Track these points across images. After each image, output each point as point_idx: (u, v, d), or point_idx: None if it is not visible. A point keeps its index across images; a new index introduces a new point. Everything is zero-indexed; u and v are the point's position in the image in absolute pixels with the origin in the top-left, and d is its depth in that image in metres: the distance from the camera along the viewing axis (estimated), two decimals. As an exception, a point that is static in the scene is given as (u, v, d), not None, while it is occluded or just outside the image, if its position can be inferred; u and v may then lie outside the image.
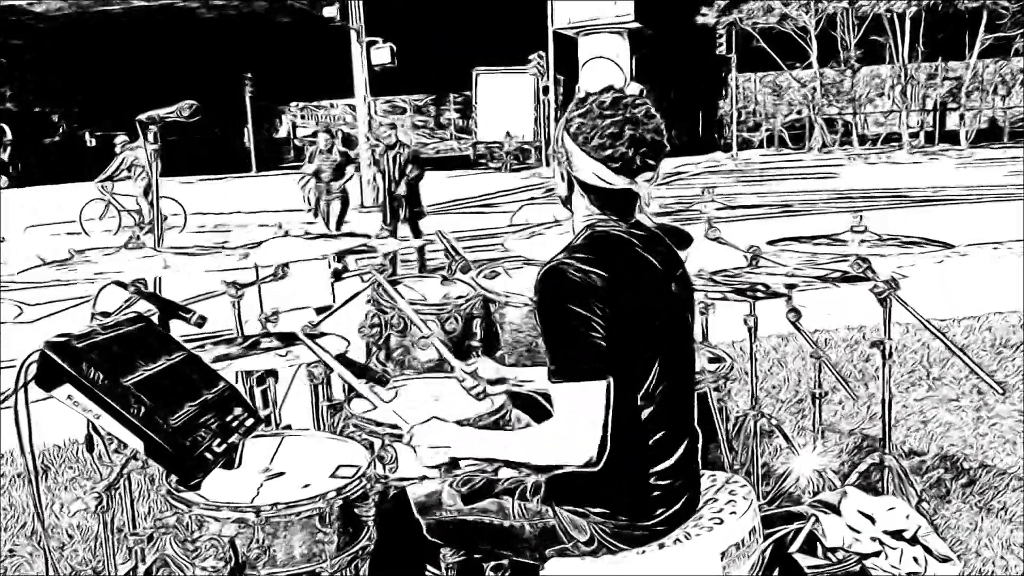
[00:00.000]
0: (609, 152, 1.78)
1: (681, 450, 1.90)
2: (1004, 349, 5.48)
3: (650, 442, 1.85)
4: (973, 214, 13.24)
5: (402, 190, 9.15)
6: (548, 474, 1.90)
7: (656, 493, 1.86)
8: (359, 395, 2.69)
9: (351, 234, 3.23)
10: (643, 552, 1.84)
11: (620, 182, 1.80)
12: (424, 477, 2.18)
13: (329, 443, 2.35)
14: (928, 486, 3.53)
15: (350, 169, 10.79)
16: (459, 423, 2.31)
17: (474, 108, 28.73)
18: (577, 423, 1.73)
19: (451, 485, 2.02)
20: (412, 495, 2.01)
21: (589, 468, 1.76)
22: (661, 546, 1.85)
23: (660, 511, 1.86)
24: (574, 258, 1.77)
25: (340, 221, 10.61)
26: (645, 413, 1.83)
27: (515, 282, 3.17)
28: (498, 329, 3.02)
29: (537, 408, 2.42)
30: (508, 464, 1.86)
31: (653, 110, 1.82)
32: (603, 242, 1.83)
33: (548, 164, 23.46)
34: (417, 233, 9.48)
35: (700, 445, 1.99)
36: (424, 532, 1.98)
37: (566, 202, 1.93)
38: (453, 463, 2.28)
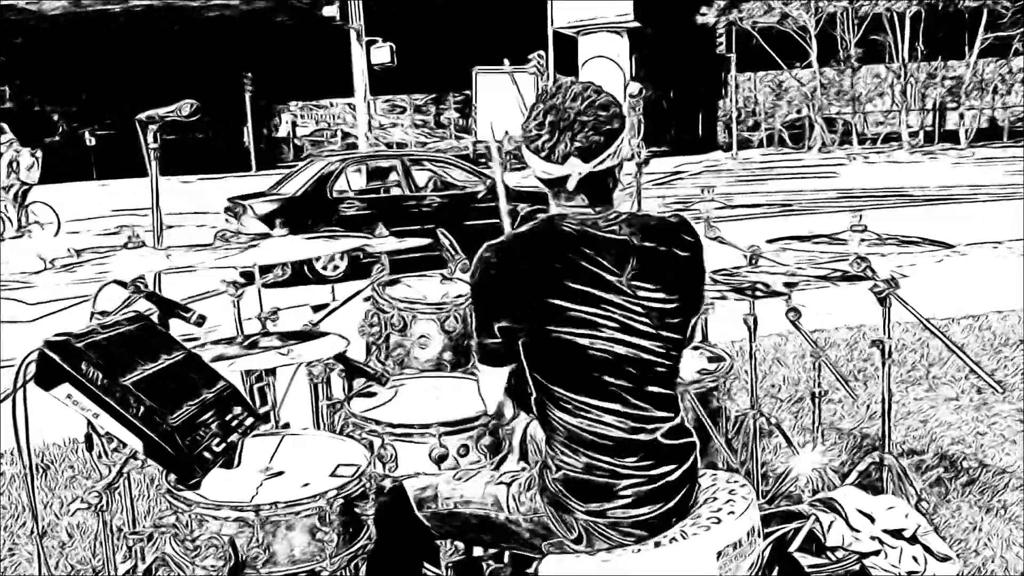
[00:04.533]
0: (535, 144, 1.85)
1: (652, 447, 1.88)
2: (1004, 348, 5.48)
3: (609, 438, 1.85)
4: (973, 213, 13.24)
5: None
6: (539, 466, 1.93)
7: (636, 490, 1.85)
8: (360, 394, 2.70)
9: (352, 234, 3.23)
10: (638, 551, 1.85)
11: (554, 170, 1.84)
12: (422, 472, 2.19)
13: (329, 442, 2.35)
14: (928, 485, 3.53)
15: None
16: (461, 421, 2.34)
17: (474, 107, 28.73)
18: (485, 388, 1.99)
19: (448, 477, 2.04)
20: (409, 488, 2.02)
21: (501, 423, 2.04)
22: (657, 544, 1.85)
23: (647, 509, 1.85)
24: (498, 243, 1.88)
25: None
26: (597, 405, 1.84)
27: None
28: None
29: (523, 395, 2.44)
30: None
31: (589, 93, 1.83)
32: (537, 230, 1.88)
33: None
34: None
35: (695, 447, 1.97)
36: (422, 523, 2.00)
37: None
38: (443, 457, 2.30)
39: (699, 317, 2.06)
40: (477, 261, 1.87)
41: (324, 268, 9.39)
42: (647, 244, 1.87)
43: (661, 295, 1.87)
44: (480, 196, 10.37)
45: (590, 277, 1.83)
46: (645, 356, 1.86)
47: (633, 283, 1.85)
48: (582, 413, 1.85)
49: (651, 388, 1.89)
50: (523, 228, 1.90)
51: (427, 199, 10.46)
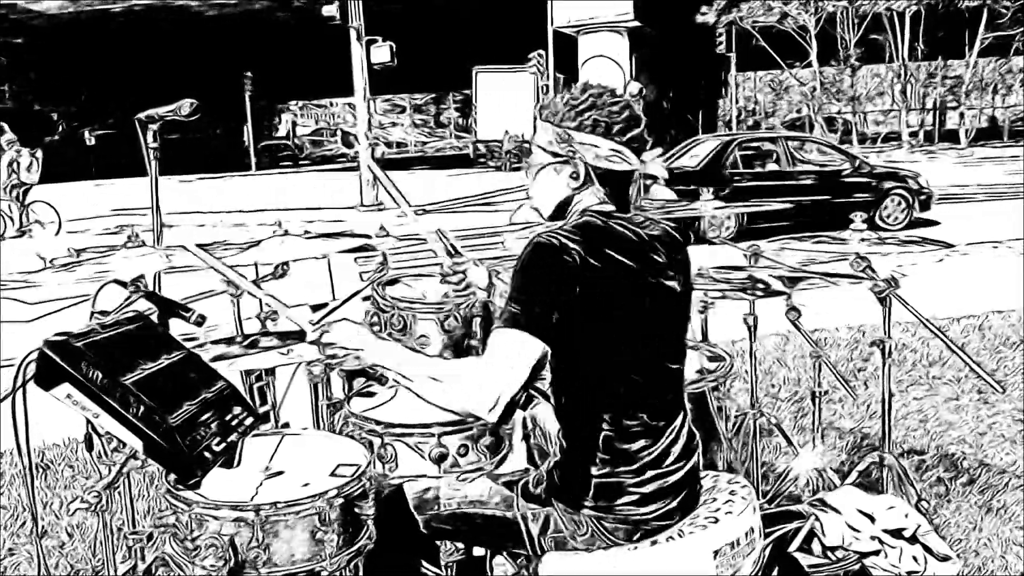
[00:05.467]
0: (630, 135, 1.84)
1: (671, 446, 1.90)
2: (1003, 348, 5.48)
3: (631, 435, 1.85)
4: (973, 213, 13.23)
5: None
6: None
7: (648, 487, 1.86)
8: (359, 393, 2.70)
9: (352, 234, 3.23)
10: (635, 548, 1.85)
11: (634, 162, 1.85)
12: (423, 475, 2.19)
13: (328, 442, 2.34)
14: (928, 485, 3.53)
15: None
16: (461, 421, 2.33)
17: (474, 107, 28.71)
18: (493, 368, 1.71)
19: (450, 480, 2.04)
20: (409, 492, 2.02)
21: (478, 420, 1.89)
22: (654, 543, 1.86)
23: (656, 506, 1.86)
24: (562, 232, 1.79)
25: None
26: (625, 402, 1.85)
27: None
28: (498, 328, 3.01)
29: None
30: (410, 390, 1.77)
31: None
32: (594, 225, 1.84)
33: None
34: None
35: (698, 444, 1.99)
36: (421, 528, 2.00)
37: (556, 214, 1.95)
38: (442, 456, 2.30)
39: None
40: (538, 248, 1.76)
41: (712, 229, 11.15)
42: (670, 244, 1.93)
43: (682, 295, 1.93)
44: (845, 173, 12.19)
45: (633, 275, 1.84)
46: (669, 355, 1.92)
47: (667, 282, 1.89)
48: (607, 413, 1.85)
49: (670, 387, 1.94)
50: (568, 223, 1.85)
51: (801, 174, 12.09)
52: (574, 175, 1.87)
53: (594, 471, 1.85)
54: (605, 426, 1.84)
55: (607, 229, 1.84)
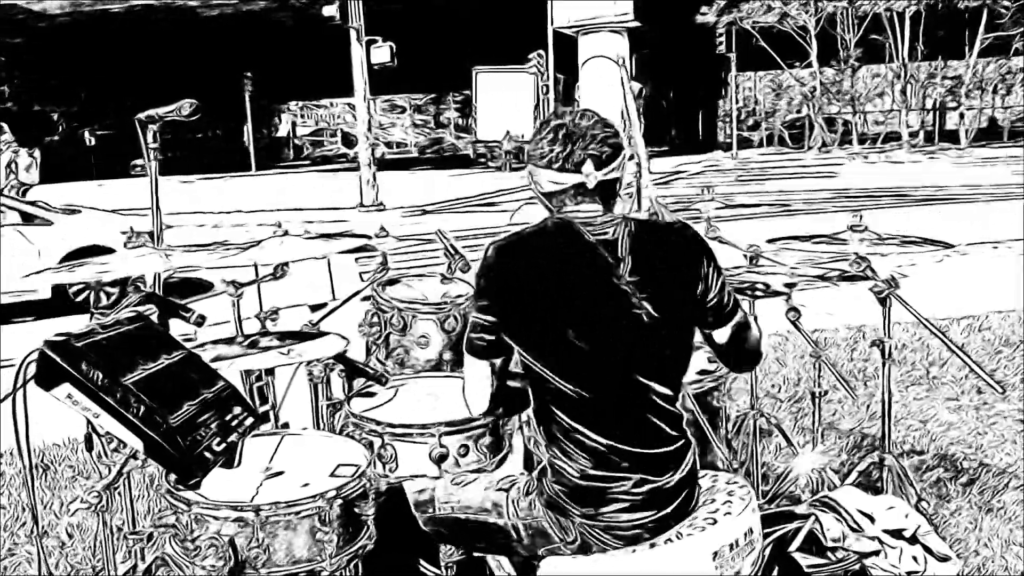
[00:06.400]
0: (548, 157, 1.91)
1: (653, 456, 1.89)
2: (1003, 348, 5.48)
3: (606, 443, 1.85)
4: (973, 213, 13.23)
5: None
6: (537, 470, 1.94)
7: (636, 495, 1.85)
8: (359, 394, 2.70)
9: (352, 234, 3.23)
10: (634, 551, 1.85)
11: (568, 179, 1.90)
12: (422, 475, 2.19)
13: (328, 442, 2.35)
14: (928, 485, 3.53)
15: None
16: (461, 421, 2.33)
17: (474, 107, 28.70)
18: (468, 386, 2.00)
19: (446, 482, 2.04)
20: (408, 491, 2.03)
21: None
22: (652, 545, 1.85)
23: (645, 514, 1.86)
24: (496, 247, 1.91)
25: None
26: (592, 406, 1.85)
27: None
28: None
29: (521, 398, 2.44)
30: None
31: (592, 114, 1.96)
32: (538, 231, 1.92)
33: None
34: None
35: (691, 448, 1.96)
36: (421, 527, 2.00)
37: None
38: (443, 457, 2.31)
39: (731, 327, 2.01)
40: (481, 261, 1.90)
41: None
42: (645, 246, 1.89)
43: (660, 297, 1.87)
44: None
45: (588, 277, 1.84)
46: (645, 359, 1.87)
47: (631, 283, 1.85)
48: (580, 417, 1.85)
49: (651, 392, 1.88)
50: (525, 229, 1.93)
51: None
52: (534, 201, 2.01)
53: (575, 476, 1.85)
54: (576, 432, 1.85)
55: (545, 235, 1.90)
